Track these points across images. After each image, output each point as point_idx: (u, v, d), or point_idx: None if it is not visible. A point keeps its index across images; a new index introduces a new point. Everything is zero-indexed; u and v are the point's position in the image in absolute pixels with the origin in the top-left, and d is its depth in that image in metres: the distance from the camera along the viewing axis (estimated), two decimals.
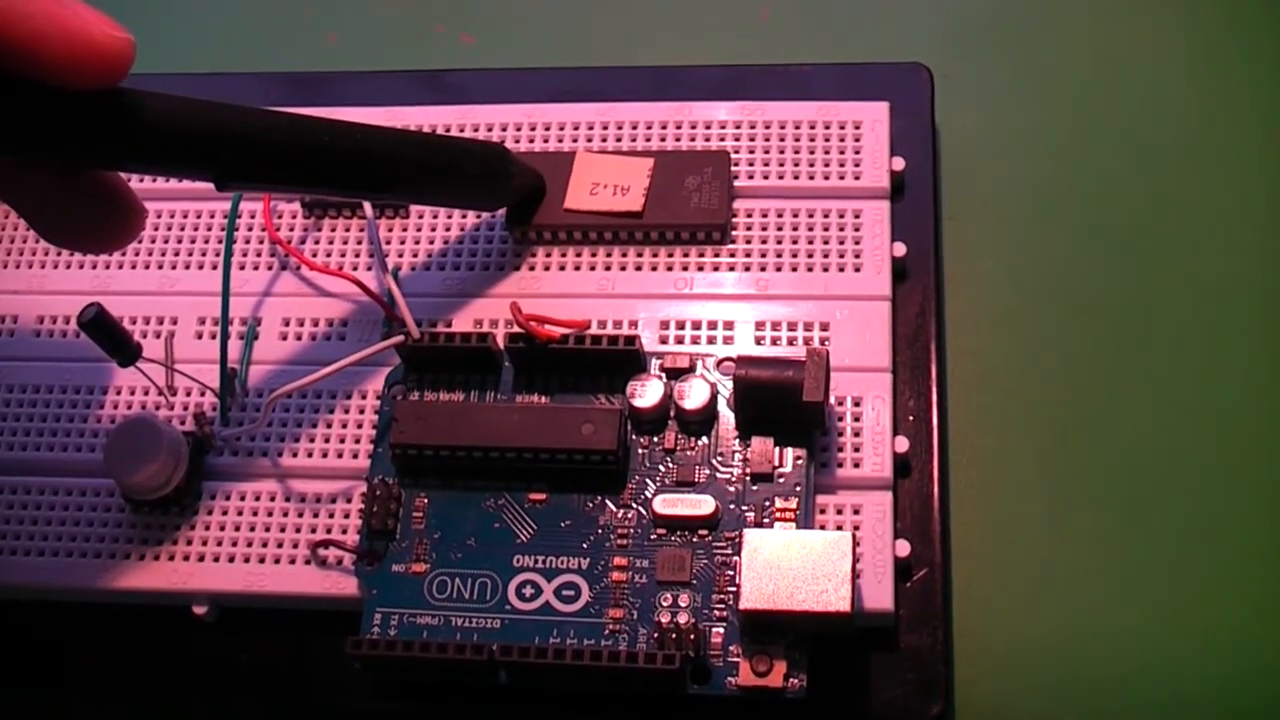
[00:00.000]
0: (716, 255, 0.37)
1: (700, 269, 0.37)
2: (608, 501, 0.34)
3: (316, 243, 0.38)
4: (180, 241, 0.38)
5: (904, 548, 0.33)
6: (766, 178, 0.37)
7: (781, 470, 0.33)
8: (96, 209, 0.30)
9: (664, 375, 0.34)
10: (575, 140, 0.38)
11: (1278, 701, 0.34)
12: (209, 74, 0.42)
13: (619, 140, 0.38)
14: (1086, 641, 0.35)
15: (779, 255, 0.36)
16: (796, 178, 0.37)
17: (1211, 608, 0.35)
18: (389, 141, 0.33)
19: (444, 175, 0.34)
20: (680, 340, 0.36)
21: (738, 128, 0.38)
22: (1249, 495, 0.36)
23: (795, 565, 0.31)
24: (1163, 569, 0.35)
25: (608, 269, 0.37)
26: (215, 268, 0.38)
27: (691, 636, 0.32)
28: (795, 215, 0.37)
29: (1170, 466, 0.36)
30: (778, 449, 0.34)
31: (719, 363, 0.35)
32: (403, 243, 0.38)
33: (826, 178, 0.37)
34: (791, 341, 0.35)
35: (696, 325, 0.36)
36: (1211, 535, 0.35)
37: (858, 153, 0.37)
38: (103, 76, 0.27)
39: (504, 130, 0.39)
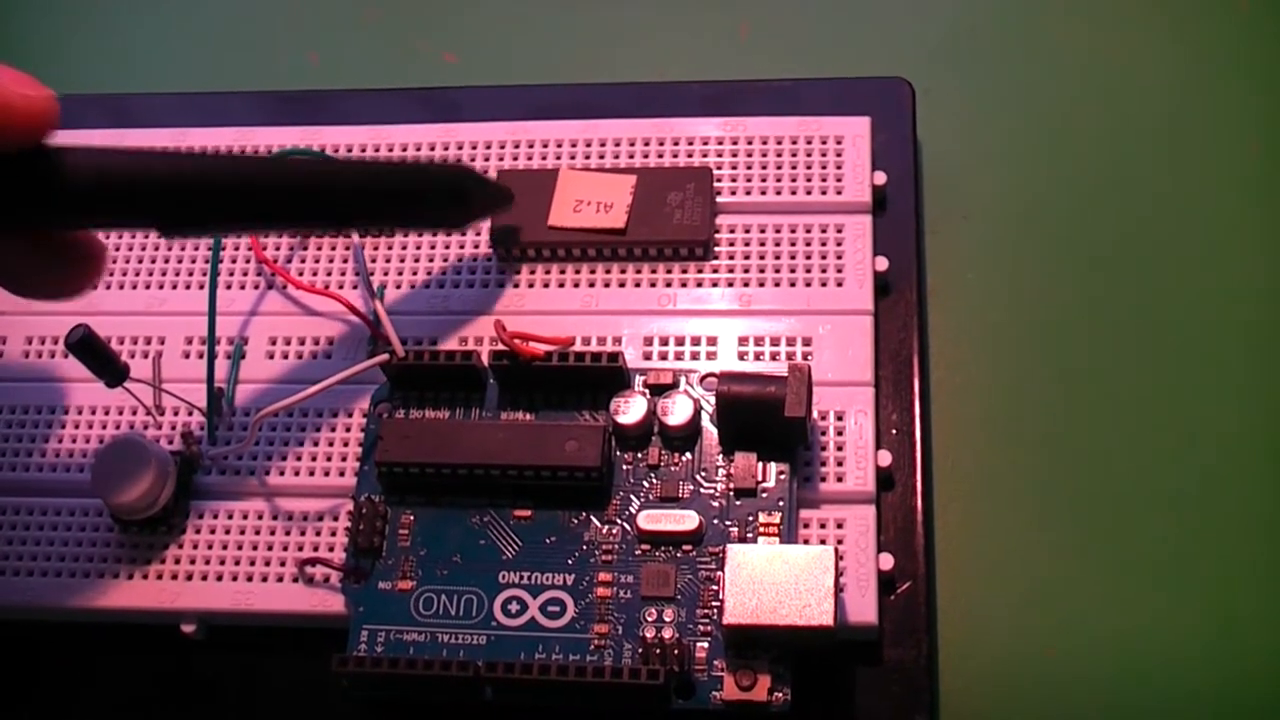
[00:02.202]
0: (699, 271, 0.37)
1: (683, 285, 0.37)
2: (592, 518, 0.34)
3: (303, 262, 0.38)
4: (167, 262, 0.39)
5: (887, 561, 0.33)
6: (749, 193, 0.38)
7: (765, 485, 0.34)
8: (54, 262, 0.30)
9: (647, 391, 0.35)
10: (559, 158, 0.39)
11: (1263, 711, 0.34)
12: (194, 93, 0.42)
13: (602, 157, 0.38)
14: (1071, 653, 0.35)
15: (761, 271, 0.37)
16: (779, 193, 0.37)
17: (1196, 618, 0.35)
18: (340, 173, 0.33)
19: (403, 203, 0.34)
20: (664, 356, 0.36)
21: (720, 144, 0.38)
22: (1232, 506, 0.36)
23: (779, 580, 0.31)
24: (1146, 580, 0.35)
25: (591, 286, 0.37)
26: (202, 288, 0.38)
27: (676, 651, 0.32)
28: (778, 230, 0.37)
29: (1153, 478, 0.36)
30: (761, 464, 0.34)
31: (702, 379, 0.35)
32: (388, 261, 0.38)
33: (809, 193, 0.37)
34: (775, 356, 0.36)
35: (680, 341, 0.36)
36: (1195, 546, 0.36)
37: (839, 167, 0.38)
38: (23, 137, 0.27)
39: (487, 148, 0.39)
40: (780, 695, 0.31)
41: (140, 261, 0.39)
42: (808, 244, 0.37)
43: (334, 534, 0.35)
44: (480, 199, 0.36)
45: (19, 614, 0.36)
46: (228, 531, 0.35)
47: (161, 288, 0.38)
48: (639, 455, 0.34)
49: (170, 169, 0.30)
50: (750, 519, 0.33)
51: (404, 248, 0.38)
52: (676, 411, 0.34)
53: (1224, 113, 0.40)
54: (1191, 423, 0.37)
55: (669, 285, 0.37)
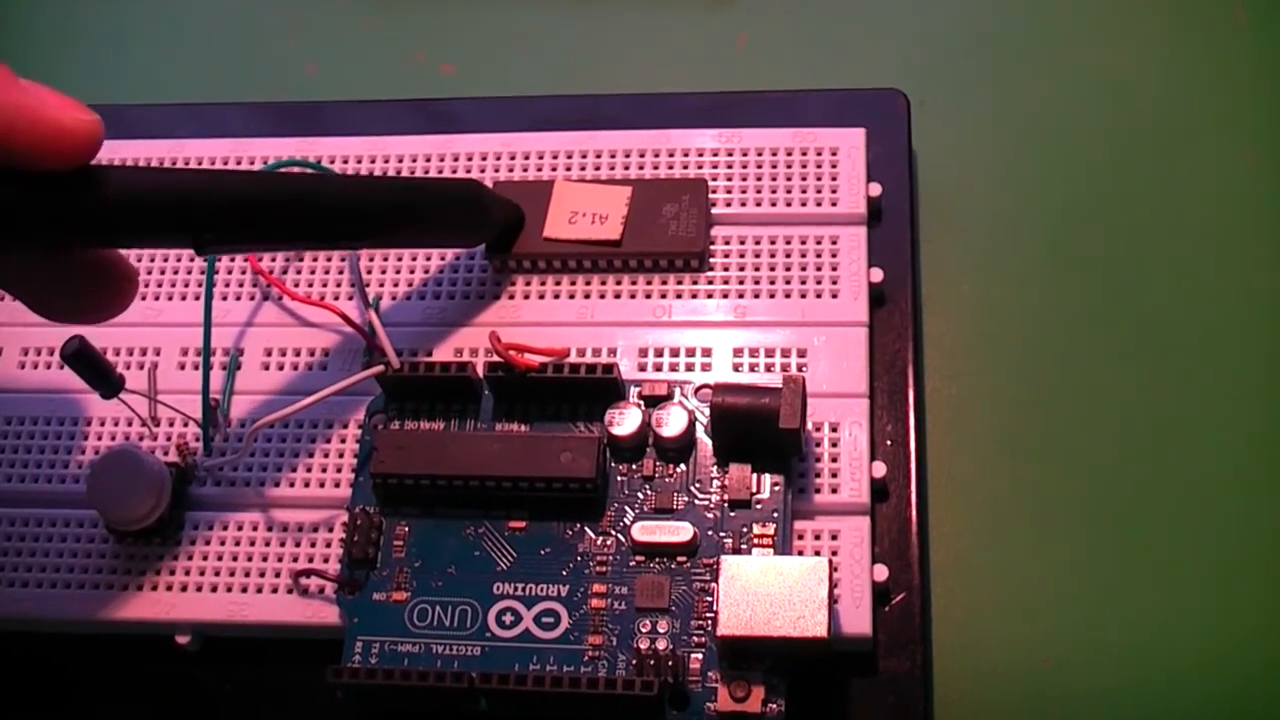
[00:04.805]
0: (694, 282, 0.37)
1: (678, 296, 0.37)
2: (587, 529, 0.34)
3: (298, 273, 0.38)
4: (163, 273, 0.39)
5: (882, 572, 0.33)
6: (744, 204, 0.38)
7: (759, 497, 0.34)
8: (88, 283, 0.31)
9: (642, 403, 0.35)
10: (554, 169, 0.39)
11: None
12: (190, 104, 0.42)
13: (598, 169, 0.39)
14: (1067, 665, 0.35)
15: (757, 282, 0.37)
16: (774, 204, 0.38)
17: (1194, 629, 0.35)
18: (364, 192, 0.34)
19: (421, 220, 0.35)
20: (659, 368, 0.36)
21: (715, 155, 0.38)
22: (1227, 516, 0.36)
23: (772, 591, 0.31)
24: (1143, 591, 0.35)
25: (586, 297, 0.37)
26: (197, 299, 0.38)
27: (670, 663, 0.32)
28: (773, 242, 0.37)
29: (1149, 488, 0.36)
30: (755, 475, 0.34)
31: (697, 390, 0.35)
32: (383, 273, 0.38)
33: (804, 204, 0.37)
34: (770, 368, 0.36)
35: (675, 353, 0.36)
36: (1191, 556, 0.36)
37: (834, 179, 0.38)
38: (73, 158, 0.28)
39: (483, 159, 0.39)
40: (774, 707, 0.31)
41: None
42: (803, 255, 0.37)
43: (329, 545, 0.35)
44: (494, 215, 0.36)
45: (12, 625, 0.36)
46: (223, 543, 0.35)
47: (157, 299, 0.38)
48: (634, 467, 0.34)
49: (209, 187, 0.30)
50: (744, 530, 0.33)
51: (399, 259, 0.38)
52: (671, 423, 0.34)
53: (1221, 125, 0.40)
54: (1189, 433, 0.37)
55: (664, 297, 0.37)
